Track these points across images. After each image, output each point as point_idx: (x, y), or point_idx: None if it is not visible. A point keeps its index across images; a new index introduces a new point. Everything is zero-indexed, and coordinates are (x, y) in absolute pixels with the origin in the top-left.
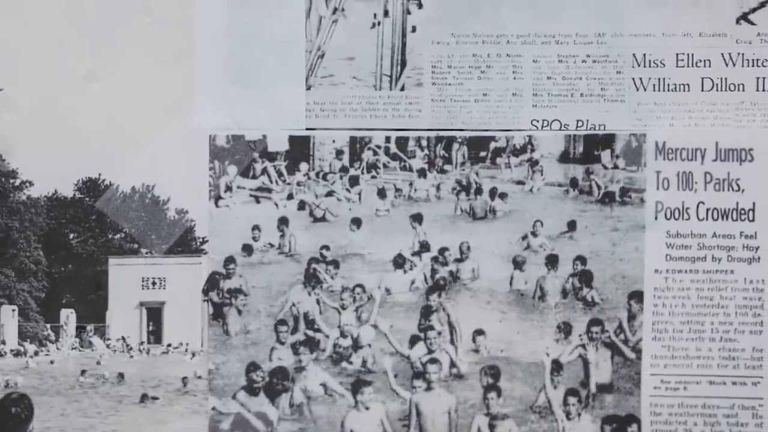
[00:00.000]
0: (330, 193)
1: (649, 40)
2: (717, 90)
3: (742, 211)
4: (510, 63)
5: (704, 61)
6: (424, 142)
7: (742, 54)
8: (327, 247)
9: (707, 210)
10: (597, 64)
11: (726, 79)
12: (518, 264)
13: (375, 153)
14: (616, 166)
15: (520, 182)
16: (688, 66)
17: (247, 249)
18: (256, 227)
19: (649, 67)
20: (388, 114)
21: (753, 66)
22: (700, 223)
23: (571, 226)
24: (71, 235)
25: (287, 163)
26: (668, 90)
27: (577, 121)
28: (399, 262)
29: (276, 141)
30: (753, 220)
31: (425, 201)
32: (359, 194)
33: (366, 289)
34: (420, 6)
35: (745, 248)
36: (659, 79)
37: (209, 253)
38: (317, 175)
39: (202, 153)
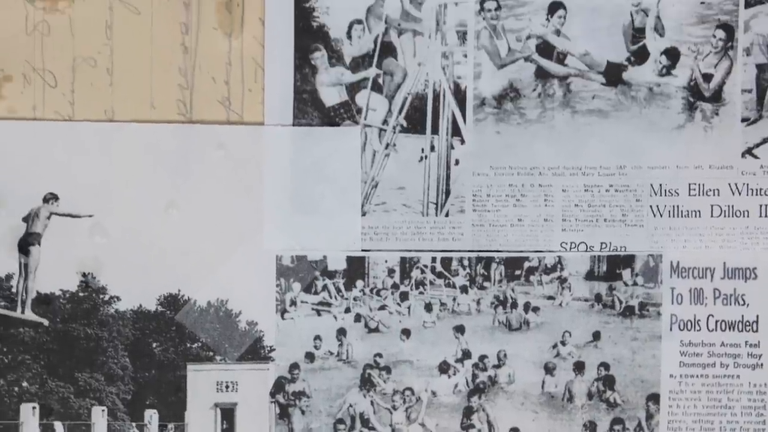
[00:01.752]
0: (383, 307)
1: (665, 172)
2: (725, 216)
3: (747, 323)
4: (542, 192)
5: (713, 190)
6: (465, 262)
7: (747, 184)
8: (380, 355)
9: (716, 322)
10: (619, 193)
11: (732, 206)
12: (549, 370)
13: (422, 272)
14: (635, 284)
15: (550, 297)
16: (699, 195)
17: (310, 356)
18: (317, 337)
19: (665, 195)
20: (434, 237)
21: (757, 195)
22: (710, 333)
23: (596, 336)
24: (154, 344)
25: (345, 280)
26: (682, 216)
27: (601, 243)
28: (444, 368)
29: (335, 261)
30: (757, 331)
31: (467, 314)
32: (408, 308)
33: (414, 391)
34: (462, 142)
35: (750, 356)
36: (674, 206)
37: (276, 360)
38: (371, 291)
39: (269, 272)
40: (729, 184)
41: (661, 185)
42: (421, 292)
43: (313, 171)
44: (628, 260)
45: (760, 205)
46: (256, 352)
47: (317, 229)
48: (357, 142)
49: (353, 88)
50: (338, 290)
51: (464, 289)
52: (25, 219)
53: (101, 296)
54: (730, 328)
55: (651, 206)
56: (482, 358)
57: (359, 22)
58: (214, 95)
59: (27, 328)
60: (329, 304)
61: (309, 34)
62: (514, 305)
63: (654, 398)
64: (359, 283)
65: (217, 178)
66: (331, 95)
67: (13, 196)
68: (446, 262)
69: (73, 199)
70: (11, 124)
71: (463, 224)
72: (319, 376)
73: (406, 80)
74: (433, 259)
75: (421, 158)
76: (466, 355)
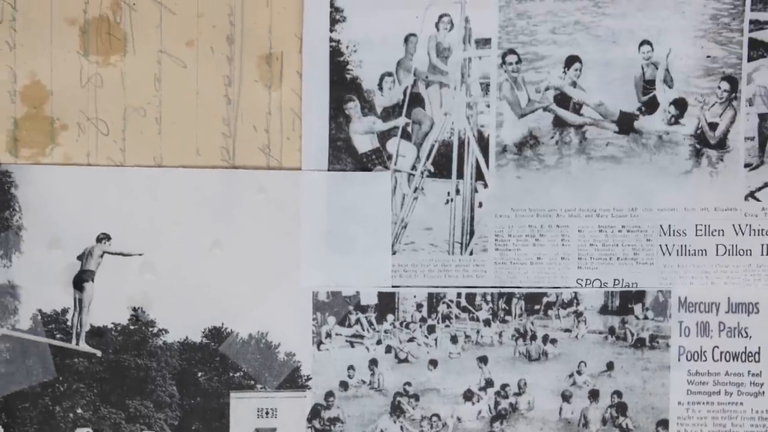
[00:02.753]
0: (411, 339)
1: (673, 214)
2: (729, 254)
3: (750, 354)
4: (559, 232)
5: (718, 230)
6: (488, 298)
7: (750, 225)
8: (409, 384)
9: (721, 353)
10: (630, 233)
11: (736, 245)
12: (566, 397)
13: (448, 306)
14: (646, 317)
15: (567, 330)
16: (705, 235)
17: (344, 385)
18: (351, 367)
19: (674, 235)
20: (459, 274)
21: (759, 235)
22: (716, 363)
23: (610, 366)
24: (199, 374)
25: (376, 314)
26: (689, 254)
27: (614, 279)
28: (468, 395)
29: (367, 296)
30: (759, 362)
31: (490, 345)
32: (435, 340)
33: (441, 417)
34: (485, 186)
35: (753, 384)
36: (682, 246)
37: (312, 388)
38: (401, 324)
39: (306, 306)
40: (733, 225)
41: (669, 226)
42: (447, 326)
43: (346, 213)
44: (640, 296)
45: (762, 245)
46: (294, 380)
47: (351, 267)
48: (388, 187)
49: (384, 136)
50: (370, 323)
51: (487, 323)
52: (80, 257)
53: (150, 329)
54: (734, 359)
55: (660, 245)
56: (504, 386)
57: (389, 74)
58: (255, 143)
59: (81, 358)
60: (362, 337)
61: (343, 85)
62: (534, 337)
63: (663, 424)
64: (390, 317)
65: (257, 220)
66: (363, 143)
67: (68, 237)
68: (470, 298)
69: (124, 239)
70: (67, 169)
71: (486, 262)
72: (352, 403)
73: (433, 129)
74: (458, 295)
75: (447, 201)
76: (489, 383)
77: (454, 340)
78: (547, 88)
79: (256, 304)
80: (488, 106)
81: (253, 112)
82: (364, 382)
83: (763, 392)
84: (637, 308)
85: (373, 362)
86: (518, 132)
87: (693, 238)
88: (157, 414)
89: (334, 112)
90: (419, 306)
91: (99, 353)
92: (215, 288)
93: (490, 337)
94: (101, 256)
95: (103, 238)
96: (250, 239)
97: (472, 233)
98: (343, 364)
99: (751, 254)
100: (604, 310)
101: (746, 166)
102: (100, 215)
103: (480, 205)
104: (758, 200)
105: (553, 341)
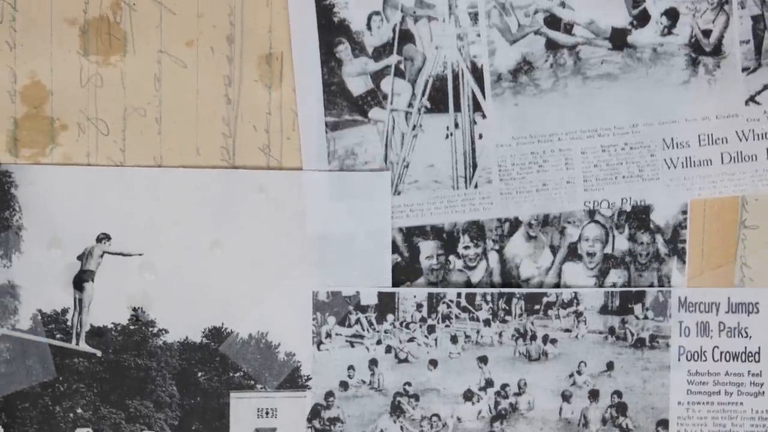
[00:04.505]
0: (411, 339)
1: (675, 126)
2: (734, 162)
3: (750, 354)
4: (562, 156)
5: (722, 138)
6: (488, 298)
7: (753, 130)
8: (409, 384)
9: (721, 353)
10: (634, 150)
11: (741, 152)
12: (566, 397)
13: (448, 306)
14: (646, 317)
15: (567, 330)
16: (708, 144)
17: (344, 385)
18: (351, 367)
19: (677, 148)
20: (465, 208)
21: (763, 139)
22: (715, 363)
23: (610, 366)
24: (199, 374)
25: (376, 314)
26: (694, 165)
27: (622, 198)
28: (468, 395)
29: (367, 296)
30: (759, 362)
31: (490, 345)
32: (435, 340)
33: (441, 417)
34: (484, 117)
35: (753, 384)
36: (686, 157)
37: (312, 388)
38: (401, 324)
39: (306, 306)
40: (736, 132)
41: (672, 139)
42: (447, 326)
43: (346, 213)
44: (639, 296)
45: (766, 148)
46: (294, 380)
47: (351, 267)
48: (387, 186)
49: (377, 76)
50: (370, 323)
51: (487, 323)
52: (80, 257)
53: (150, 329)
54: (734, 359)
55: (665, 159)
56: (504, 386)
57: (377, 13)
58: (255, 143)
59: (81, 358)
60: (362, 337)
61: (331, 29)
62: (534, 337)
63: (663, 424)
64: (390, 317)
65: (257, 220)
66: (357, 85)
67: (68, 237)
68: (470, 298)
69: (124, 239)
70: (67, 169)
71: (491, 194)
72: (352, 403)
73: (426, 64)
74: (458, 295)
75: (447, 136)
76: (489, 383)
77: (454, 340)
78: (536, 12)
79: (256, 304)
80: (479, 35)
81: (253, 112)
82: (364, 382)
83: (763, 392)
84: (637, 308)
85: (373, 362)
86: (511, 59)
87: (697, 148)
88: (157, 414)
89: (325, 57)
90: (419, 306)
91: (99, 353)
92: (215, 288)
93: (490, 337)
94: (101, 256)
95: (103, 238)
96: (250, 239)
97: (474, 166)
98: (343, 364)
99: (756, 159)
100: (604, 310)
101: (744, 70)
102: (100, 215)
103: (480, 136)
104: (759, 104)
105: (553, 341)
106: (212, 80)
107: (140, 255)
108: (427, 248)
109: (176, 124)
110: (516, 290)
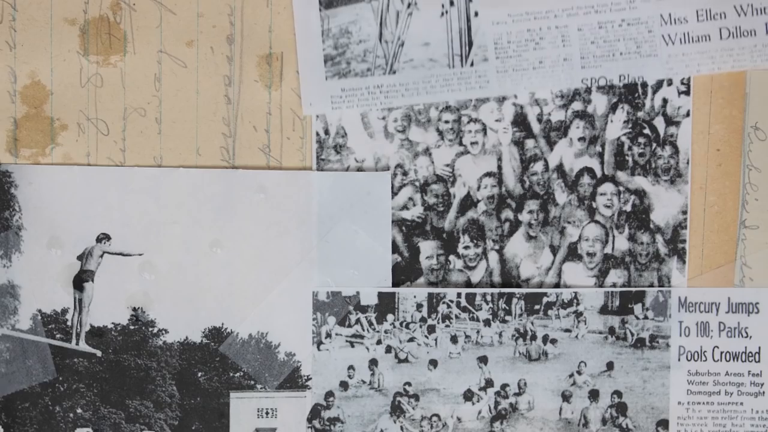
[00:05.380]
0: (411, 339)
1: (673, 1)
2: (733, 37)
3: (750, 354)
4: (559, 33)
5: (720, 13)
6: (488, 297)
7: (752, 5)
8: (409, 384)
9: (721, 353)
10: (631, 26)
11: (740, 27)
12: (566, 397)
13: (448, 306)
14: (646, 317)
15: (567, 330)
16: (707, 19)
17: (344, 385)
18: (351, 367)
19: (675, 24)
20: (461, 87)
21: (762, 14)
22: (716, 363)
23: (610, 366)
24: (199, 374)
25: (376, 314)
26: (693, 41)
27: (620, 75)
28: (468, 395)
29: (367, 296)
30: (759, 362)
31: (490, 346)
32: (435, 340)
33: (441, 417)
34: None
35: (753, 384)
36: (684, 33)
37: (312, 388)
38: (401, 324)
39: (306, 306)
40: (734, 6)
41: (670, 14)
42: (447, 326)
43: (346, 213)
44: (639, 296)
45: (765, 23)
46: (294, 380)
47: (351, 267)
48: (387, 186)
49: None
50: (370, 324)
51: (487, 323)
52: (80, 257)
53: (150, 329)
54: (734, 359)
55: (663, 35)
56: (504, 386)
57: None
58: (255, 143)
59: (81, 358)
60: (362, 337)
61: None
62: (534, 337)
63: (663, 424)
64: (390, 317)
65: (257, 220)
66: None
67: (68, 237)
68: (470, 298)
69: (124, 238)
70: (67, 169)
71: (487, 72)
72: (352, 403)
73: None
74: (458, 295)
75: (442, 14)
76: (489, 383)
77: (454, 340)
78: None
79: (256, 304)
80: None
81: (253, 112)
82: (364, 382)
83: (763, 392)
84: (637, 308)
85: (373, 362)
86: None
87: (695, 24)
88: (157, 414)
89: None
90: (419, 306)
91: (99, 353)
92: (215, 288)
93: (490, 337)
94: (101, 256)
95: (103, 238)
96: (250, 239)
97: (470, 44)
98: (343, 364)
99: (755, 34)
100: (604, 310)
101: None
102: (100, 215)
103: (476, 14)
104: None
105: (553, 341)
106: (212, 80)
107: (140, 255)
108: (427, 248)
109: (176, 124)
110: (516, 290)
